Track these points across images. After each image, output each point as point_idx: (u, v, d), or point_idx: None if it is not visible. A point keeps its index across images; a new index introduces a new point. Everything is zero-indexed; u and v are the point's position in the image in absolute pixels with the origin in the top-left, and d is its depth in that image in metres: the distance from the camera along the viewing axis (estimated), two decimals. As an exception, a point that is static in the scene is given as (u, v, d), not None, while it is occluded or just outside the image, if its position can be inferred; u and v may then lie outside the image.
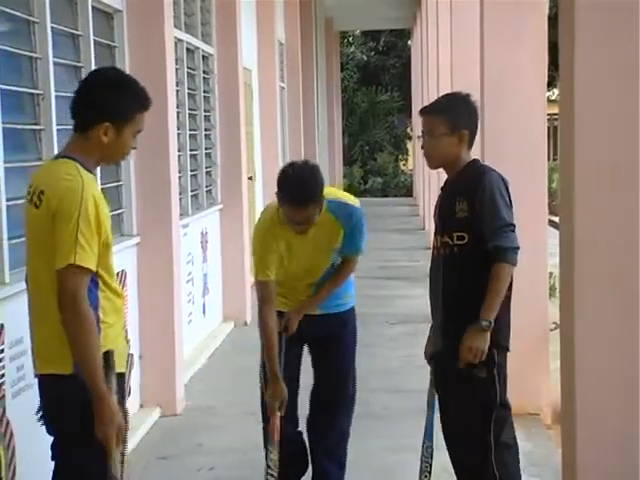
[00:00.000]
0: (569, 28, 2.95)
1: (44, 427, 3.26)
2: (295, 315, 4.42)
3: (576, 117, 2.93)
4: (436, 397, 3.95)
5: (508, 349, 3.88)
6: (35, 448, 4.22)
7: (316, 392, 4.61)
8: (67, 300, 3.00)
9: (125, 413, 3.23)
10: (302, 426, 4.64)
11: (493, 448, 3.75)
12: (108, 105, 3.17)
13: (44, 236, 3.05)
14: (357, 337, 4.61)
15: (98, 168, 3.68)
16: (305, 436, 4.63)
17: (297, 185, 4.07)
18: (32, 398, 4.22)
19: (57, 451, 3.27)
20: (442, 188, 3.99)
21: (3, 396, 4.04)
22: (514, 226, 3.74)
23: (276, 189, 4.17)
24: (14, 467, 4.09)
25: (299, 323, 4.42)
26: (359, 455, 4.85)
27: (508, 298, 3.81)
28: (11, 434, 4.07)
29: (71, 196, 3.01)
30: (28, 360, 4.24)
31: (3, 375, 4.03)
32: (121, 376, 3.21)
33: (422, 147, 3.94)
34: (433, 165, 3.98)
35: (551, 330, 5.88)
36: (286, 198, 4.10)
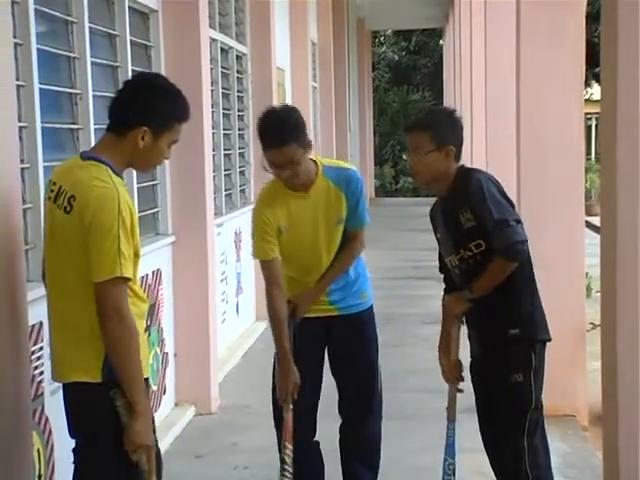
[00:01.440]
0: (611, 24, 2.93)
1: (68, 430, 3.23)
2: (304, 298, 4.22)
3: (619, 116, 2.90)
4: (456, 412, 3.95)
5: (546, 341, 3.83)
6: (72, 445, 4.25)
7: (345, 399, 4.38)
8: (112, 313, 2.97)
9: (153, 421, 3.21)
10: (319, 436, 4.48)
11: (527, 450, 3.73)
12: (150, 110, 3.14)
13: (76, 244, 3.02)
14: (378, 337, 4.42)
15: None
16: (320, 445, 4.44)
17: (274, 124, 3.97)
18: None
19: (80, 455, 3.26)
20: (437, 205, 3.96)
21: (42, 393, 4.06)
22: (507, 220, 3.62)
23: (257, 133, 4.06)
24: (53, 464, 4.12)
25: (316, 328, 4.24)
26: (392, 455, 4.83)
27: (531, 293, 3.79)
28: (50, 431, 4.10)
29: (108, 207, 2.97)
30: (66, 358, 4.29)
31: (42, 372, 4.06)
32: (145, 381, 3.17)
33: (408, 164, 3.93)
34: (422, 181, 3.95)
35: (588, 331, 5.84)
36: (266, 140, 3.98)
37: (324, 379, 4.37)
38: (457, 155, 3.86)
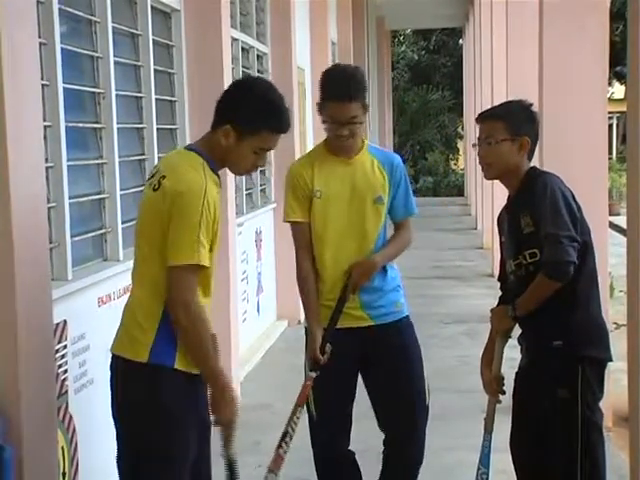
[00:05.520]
0: (637, 23, 2.90)
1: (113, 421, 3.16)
2: (359, 267, 3.92)
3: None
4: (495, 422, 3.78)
5: (601, 360, 3.63)
6: (96, 443, 4.27)
7: (390, 417, 4.11)
8: (178, 303, 2.96)
9: (197, 420, 3.16)
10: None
11: (579, 474, 3.55)
12: (236, 108, 3.12)
13: (156, 222, 3.01)
14: (420, 347, 4.15)
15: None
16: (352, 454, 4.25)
17: (343, 78, 3.89)
18: (94, 394, 4.30)
19: (123, 466, 3.15)
20: (506, 207, 3.79)
21: (66, 391, 4.08)
22: (559, 236, 3.41)
23: (319, 92, 3.94)
24: (77, 462, 4.14)
25: (349, 339, 3.95)
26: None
27: (586, 306, 3.58)
28: (74, 429, 4.12)
29: (195, 194, 2.96)
30: (90, 356, 4.32)
31: (66, 371, 4.08)
32: (188, 375, 3.08)
33: (479, 155, 3.72)
34: (491, 174, 3.74)
35: (611, 331, 5.79)
36: (330, 93, 3.88)
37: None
38: (531, 151, 3.69)
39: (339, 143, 3.95)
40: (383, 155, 4.11)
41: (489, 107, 3.99)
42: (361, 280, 3.94)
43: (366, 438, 4.36)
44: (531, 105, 3.77)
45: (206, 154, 3.12)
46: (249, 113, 3.11)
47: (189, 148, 3.22)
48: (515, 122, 3.64)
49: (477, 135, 3.79)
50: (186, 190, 2.97)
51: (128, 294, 3.23)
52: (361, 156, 4.02)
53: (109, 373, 3.15)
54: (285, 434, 3.90)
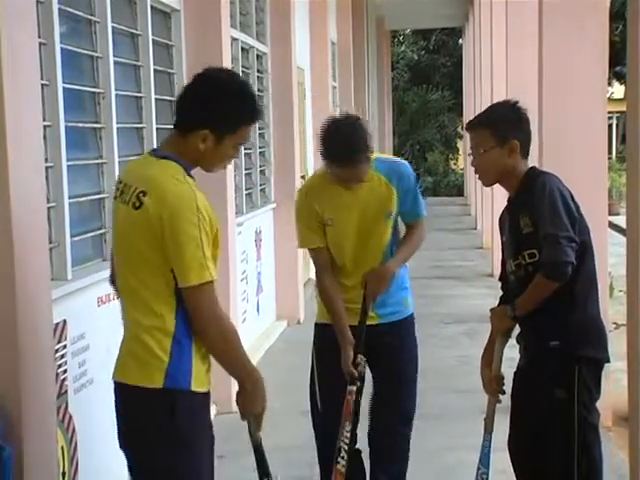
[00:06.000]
0: (637, 23, 2.90)
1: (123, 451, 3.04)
2: (374, 277, 4.02)
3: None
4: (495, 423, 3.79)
5: (598, 360, 3.63)
6: (96, 442, 4.27)
7: (376, 406, 4.24)
8: (210, 318, 2.85)
9: (211, 439, 3.06)
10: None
11: (576, 474, 3.56)
12: (214, 113, 2.92)
13: (146, 241, 2.84)
14: (417, 347, 4.29)
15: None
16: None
17: (342, 143, 3.79)
18: (94, 394, 4.30)
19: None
20: (506, 208, 3.78)
21: (66, 391, 4.08)
22: (557, 236, 3.40)
23: (320, 147, 3.89)
24: (77, 461, 4.14)
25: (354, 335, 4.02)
26: (418, 455, 4.81)
27: (584, 307, 3.58)
28: (73, 429, 4.12)
29: (187, 206, 2.80)
30: (90, 356, 4.32)
31: (65, 371, 4.08)
32: (203, 395, 2.98)
33: (472, 164, 3.73)
34: (488, 182, 3.75)
35: (610, 331, 5.79)
36: (332, 157, 3.85)
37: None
38: (525, 151, 3.67)
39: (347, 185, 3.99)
40: (389, 168, 4.09)
41: (476, 114, 3.95)
42: (378, 289, 4.03)
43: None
44: (516, 104, 3.73)
45: (183, 161, 2.93)
46: (228, 115, 2.94)
47: (161, 155, 2.97)
48: (500, 128, 3.63)
49: (469, 144, 3.78)
50: (178, 207, 2.80)
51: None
52: (368, 178, 4.01)
53: (114, 402, 3.01)
54: (339, 449, 3.95)
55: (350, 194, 4.01)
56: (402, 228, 4.29)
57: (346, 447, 3.93)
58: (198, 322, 2.86)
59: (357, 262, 4.08)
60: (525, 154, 3.69)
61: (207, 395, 3.00)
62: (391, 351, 4.15)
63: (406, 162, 4.24)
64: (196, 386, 2.92)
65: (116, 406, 3.01)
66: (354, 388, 3.97)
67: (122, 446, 3.03)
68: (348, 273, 4.11)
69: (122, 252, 2.97)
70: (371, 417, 4.26)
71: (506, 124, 3.64)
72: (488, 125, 3.65)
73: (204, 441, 3.00)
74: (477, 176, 3.77)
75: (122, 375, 2.96)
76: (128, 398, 2.96)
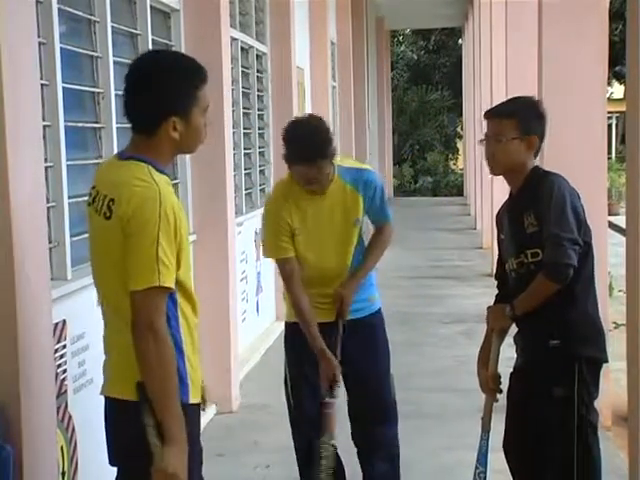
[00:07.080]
0: (636, 23, 2.91)
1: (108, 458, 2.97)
2: (345, 292, 4.08)
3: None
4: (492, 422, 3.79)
5: (597, 360, 3.62)
6: (96, 442, 4.27)
7: (356, 407, 4.28)
8: (145, 328, 2.64)
9: (200, 450, 2.94)
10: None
11: (575, 473, 3.56)
12: (167, 98, 2.77)
13: (118, 252, 2.71)
14: (388, 341, 4.31)
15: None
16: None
17: (304, 141, 3.86)
18: (93, 394, 4.28)
19: None
20: (506, 204, 3.78)
21: (65, 391, 4.08)
22: (561, 238, 3.41)
23: (283, 149, 3.95)
24: (76, 461, 4.14)
25: (322, 333, 4.06)
26: (415, 455, 4.83)
27: (584, 307, 3.58)
28: (73, 429, 4.12)
29: (149, 207, 2.66)
30: (89, 356, 4.32)
31: (65, 371, 4.08)
32: (197, 406, 2.89)
33: (486, 151, 3.70)
34: (497, 171, 3.71)
35: (610, 331, 5.80)
36: (293, 157, 3.90)
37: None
38: (538, 149, 3.67)
39: (309, 189, 4.03)
40: (354, 176, 4.12)
41: (498, 103, 3.94)
42: (349, 301, 4.11)
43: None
44: (539, 102, 3.76)
45: (150, 158, 2.79)
46: (180, 90, 2.79)
47: (126, 157, 2.84)
48: (526, 120, 3.62)
49: (484, 131, 3.75)
50: (139, 207, 2.67)
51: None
52: (333, 186, 4.06)
53: (104, 419, 2.92)
54: (320, 460, 4.03)
55: (317, 202, 4.06)
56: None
57: (332, 467, 4.01)
58: (133, 331, 2.67)
59: (323, 269, 4.12)
60: (537, 153, 3.70)
61: (199, 406, 2.92)
62: (362, 347, 4.19)
63: (372, 169, 4.29)
64: (192, 397, 2.85)
65: (106, 422, 2.92)
66: (334, 400, 4.05)
67: (115, 461, 2.93)
68: (314, 280, 4.12)
69: (99, 262, 2.89)
70: (351, 418, 4.30)
71: (532, 118, 3.64)
72: (515, 115, 3.63)
73: (194, 452, 2.85)
74: (488, 163, 3.75)
75: (109, 389, 2.88)
76: (120, 411, 2.84)
